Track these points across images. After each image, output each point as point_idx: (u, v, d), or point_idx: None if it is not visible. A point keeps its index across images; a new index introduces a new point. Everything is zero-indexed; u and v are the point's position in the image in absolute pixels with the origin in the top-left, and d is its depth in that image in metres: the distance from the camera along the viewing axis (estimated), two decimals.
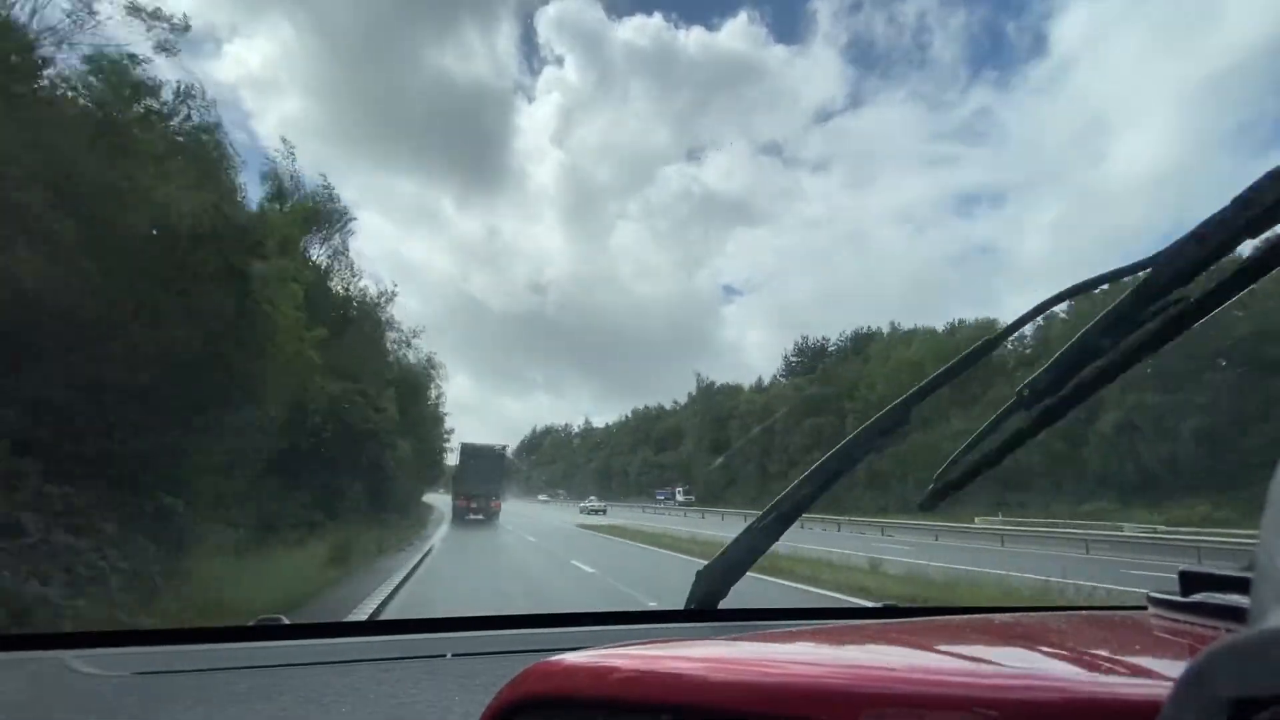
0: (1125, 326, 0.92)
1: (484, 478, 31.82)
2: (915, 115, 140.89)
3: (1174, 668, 0.29)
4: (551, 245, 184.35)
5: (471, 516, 30.32)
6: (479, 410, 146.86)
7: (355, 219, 21.92)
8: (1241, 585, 0.63)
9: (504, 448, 35.31)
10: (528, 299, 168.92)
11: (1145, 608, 0.76)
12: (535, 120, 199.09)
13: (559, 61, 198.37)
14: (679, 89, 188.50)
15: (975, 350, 1.11)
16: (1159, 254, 0.88)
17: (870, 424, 1.17)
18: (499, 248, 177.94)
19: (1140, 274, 0.90)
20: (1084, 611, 1.24)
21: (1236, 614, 0.57)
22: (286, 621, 1.34)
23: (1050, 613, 1.17)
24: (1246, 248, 0.85)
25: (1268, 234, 0.82)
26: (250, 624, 1.28)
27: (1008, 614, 1.16)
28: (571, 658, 0.50)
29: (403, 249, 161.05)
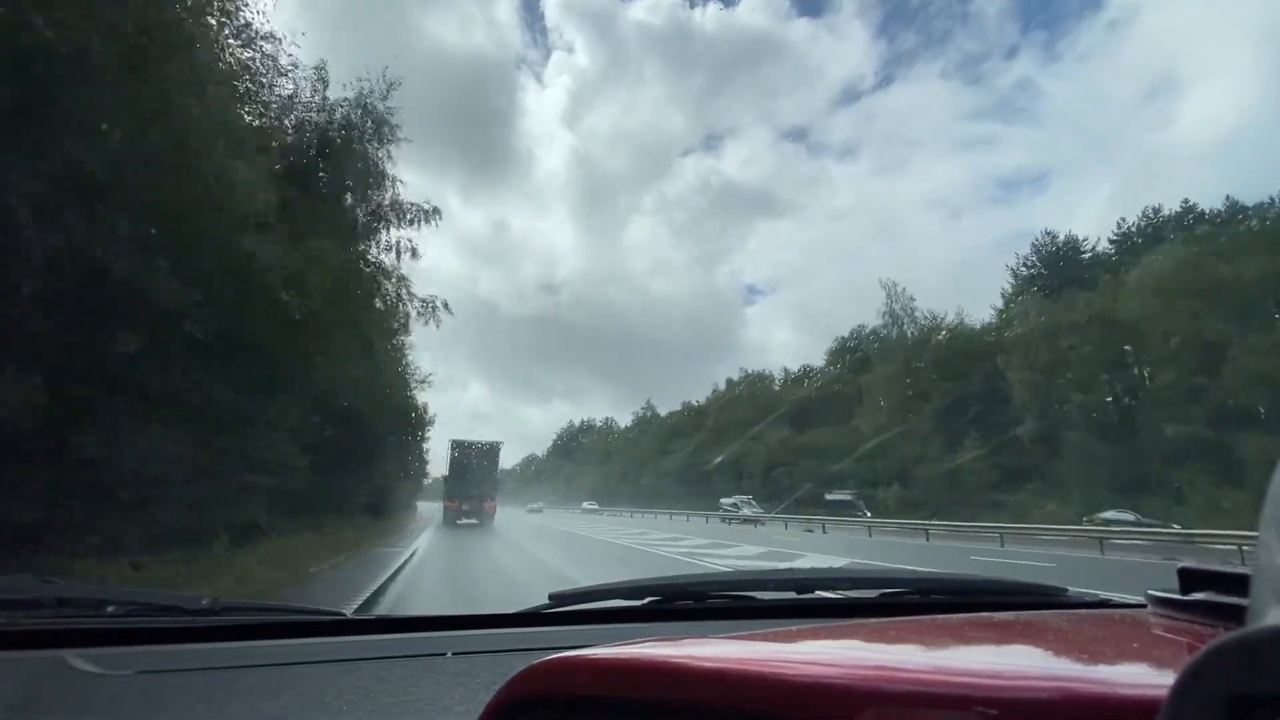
0: None
1: (477, 477, 29.44)
2: (951, 91, 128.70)
3: (1173, 666, 0.29)
4: (562, 242, 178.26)
5: (464, 520, 28.03)
6: (497, 419, 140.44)
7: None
8: (1241, 584, 0.63)
9: (499, 444, 32.41)
10: (540, 300, 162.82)
11: (1145, 606, 0.77)
12: (543, 107, 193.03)
13: (569, 47, 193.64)
14: (695, 72, 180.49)
15: None
16: None
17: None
18: (507, 244, 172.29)
19: None
20: (1084, 610, 1.24)
21: (1236, 613, 0.57)
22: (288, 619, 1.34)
23: (1050, 611, 1.17)
24: None
25: None
26: (251, 622, 1.28)
27: (1008, 612, 1.17)
28: (571, 656, 0.50)
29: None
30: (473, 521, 27.97)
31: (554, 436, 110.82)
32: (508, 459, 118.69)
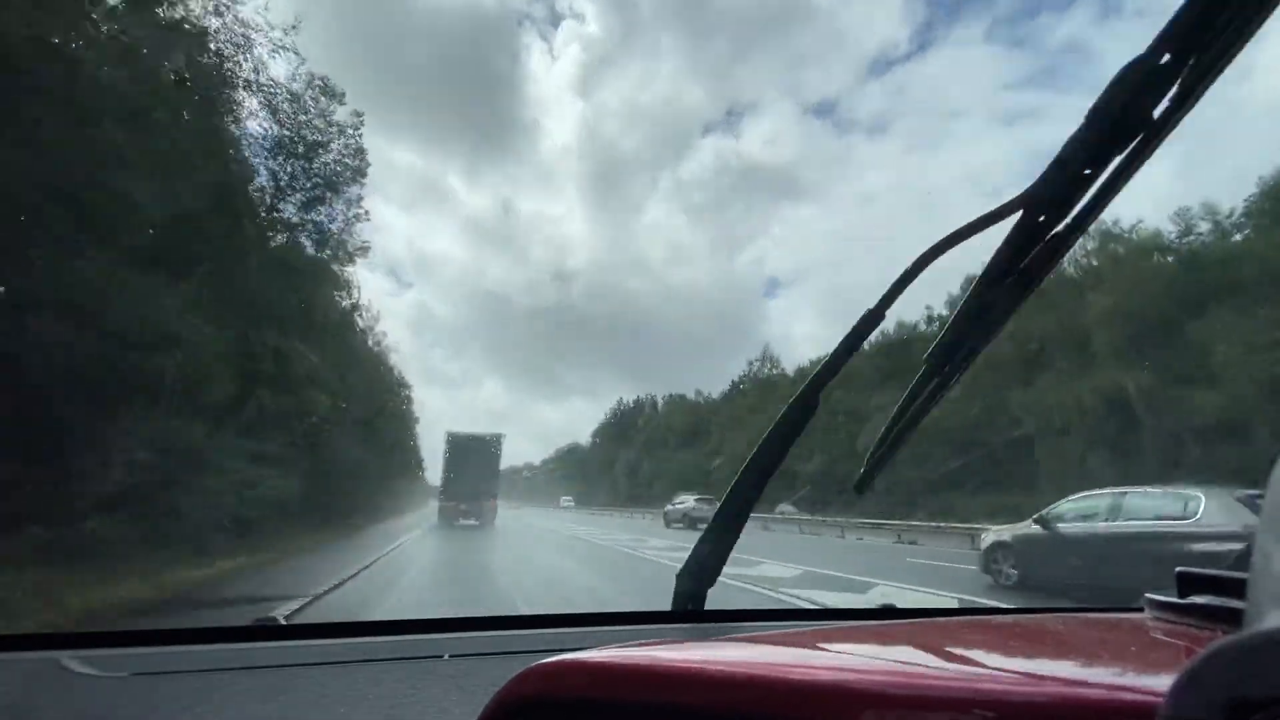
0: (1007, 272, 0.95)
1: (477, 474, 26.60)
2: (992, 57, 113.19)
3: (1171, 669, 0.29)
4: (575, 227, 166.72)
5: (463, 521, 25.58)
6: (516, 419, 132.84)
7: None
8: (1238, 587, 0.63)
9: (500, 436, 28.94)
10: (553, 290, 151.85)
11: (1143, 609, 0.77)
12: (552, 79, 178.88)
13: (579, 16, 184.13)
14: (715, 41, 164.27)
15: (863, 324, 1.10)
16: (1027, 190, 0.89)
17: (783, 414, 1.23)
18: (516, 228, 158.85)
19: (1013, 215, 0.90)
20: (1082, 613, 1.24)
21: (1233, 616, 0.57)
22: (284, 622, 1.34)
23: (1048, 614, 1.17)
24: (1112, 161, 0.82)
25: (1129, 144, 0.81)
26: (248, 624, 1.28)
27: (1006, 615, 1.17)
28: (569, 659, 0.50)
29: (417, 241, 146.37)
30: (472, 522, 25.67)
31: (603, 417, 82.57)
32: (534, 454, 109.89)
